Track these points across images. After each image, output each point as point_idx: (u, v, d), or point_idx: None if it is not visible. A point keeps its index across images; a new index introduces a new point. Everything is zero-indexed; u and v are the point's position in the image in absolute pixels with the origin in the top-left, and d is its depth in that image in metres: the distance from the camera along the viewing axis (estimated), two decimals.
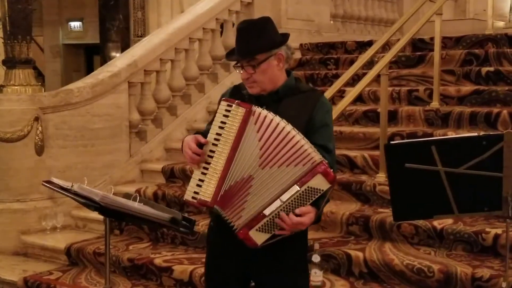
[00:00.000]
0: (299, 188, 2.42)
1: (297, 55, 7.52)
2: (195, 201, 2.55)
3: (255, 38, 2.59)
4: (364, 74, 5.18)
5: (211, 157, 2.53)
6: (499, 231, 3.96)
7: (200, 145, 2.56)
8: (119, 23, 11.29)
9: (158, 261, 4.60)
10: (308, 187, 2.41)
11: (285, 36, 2.68)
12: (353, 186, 4.83)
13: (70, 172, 5.57)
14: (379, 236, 4.38)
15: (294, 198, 2.42)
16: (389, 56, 5.05)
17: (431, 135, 5.09)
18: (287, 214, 2.42)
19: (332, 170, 2.45)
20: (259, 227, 2.45)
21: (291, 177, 2.43)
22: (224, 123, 2.53)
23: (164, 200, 5.41)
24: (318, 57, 7.23)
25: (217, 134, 2.53)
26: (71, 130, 5.69)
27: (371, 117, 5.72)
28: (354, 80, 5.46)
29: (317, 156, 2.43)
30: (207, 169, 2.53)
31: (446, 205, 2.71)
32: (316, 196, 2.43)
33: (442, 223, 4.16)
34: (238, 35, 2.64)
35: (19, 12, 5.86)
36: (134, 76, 6.09)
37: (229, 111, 2.52)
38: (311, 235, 4.49)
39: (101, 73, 6.00)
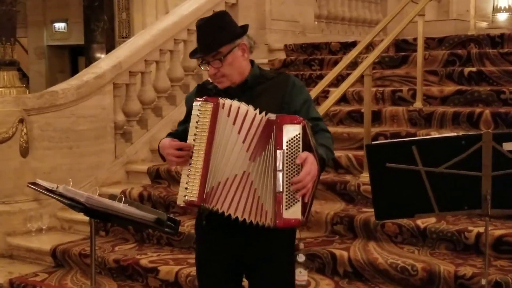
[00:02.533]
0: (282, 150, 2.43)
1: (282, 55, 7.55)
2: (184, 204, 2.57)
3: (216, 32, 2.62)
4: (348, 74, 5.23)
5: (192, 158, 2.55)
6: (481, 229, 4.00)
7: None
8: (104, 24, 11.25)
9: (144, 262, 4.61)
10: (286, 142, 2.43)
11: (245, 27, 2.72)
12: (338, 186, 4.87)
13: (55, 174, 5.56)
14: (364, 235, 4.42)
15: (287, 159, 2.43)
16: (372, 56, 5.10)
17: (415, 135, 5.14)
18: (292, 176, 2.43)
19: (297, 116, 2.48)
20: (286, 205, 2.43)
21: (270, 148, 2.46)
22: (198, 122, 2.55)
23: (150, 201, 5.42)
24: (303, 58, 7.27)
25: (194, 135, 2.56)
26: (56, 131, 5.68)
27: (355, 118, 5.76)
28: (338, 80, 5.50)
29: (272, 115, 2.47)
30: (190, 170, 2.55)
31: (427, 204, 2.75)
32: (300, 142, 2.44)
33: (425, 222, 4.21)
34: (199, 32, 2.66)
35: (3, 13, 5.87)
36: (119, 78, 6.09)
37: (200, 109, 2.55)
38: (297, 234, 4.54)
39: (86, 75, 5.99)
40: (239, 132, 2.50)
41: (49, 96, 5.65)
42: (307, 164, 2.43)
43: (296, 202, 2.44)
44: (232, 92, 2.65)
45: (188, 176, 2.55)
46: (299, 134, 2.44)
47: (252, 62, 2.75)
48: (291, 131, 2.44)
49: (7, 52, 5.91)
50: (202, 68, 2.72)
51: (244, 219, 2.49)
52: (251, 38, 2.72)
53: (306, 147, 2.46)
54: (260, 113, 2.50)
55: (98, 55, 10.91)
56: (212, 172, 2.53)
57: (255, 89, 2.67)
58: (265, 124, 2.48)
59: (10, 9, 5.96)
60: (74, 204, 2.71)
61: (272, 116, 2.47)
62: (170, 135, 2.84)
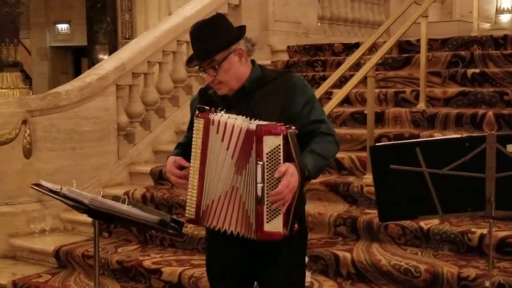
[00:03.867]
0: (262, 162, 2.38)
1: (285, 57, 7.55)
2: (187, 218, 2.60)
3: (210, 38, 2.52)
4: (351, 76, 5.22)
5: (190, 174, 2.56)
6: (484, 231, 4.00)
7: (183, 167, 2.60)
8: (107, 26, 11.28)
9: (147, 263, 4.61)
10: (266, 154, 2.37)
11: (242, 29, 2.61)
12: (341, 187, 4.87)
13: (58, 175, 5.56)
14: (367, 237, 4.41)
15: (267, 172, 2.38)
16: (375, 58, 5.09)
17: (418, 136, 5.13)
18: (274, 188, 2.38)
19: (279, 124, 2.40)
20: (267, 218, 2.40)
21: (252, 161, 2.41)
22: (194, 137, 2.54)
23: (153, 202, 5.42)
24: (306, 59, 7.26)
25: (194, 146, 2.55)
26: (59, 133, 5.68)
27: (358, 119, 5.76)
28: (341, 82, 5.50)
29: (252, 126, 2.39)
30: (190, 187, 2.56)
31: (431, 206, 2.75)
32: (281, 153, 2.37)
33: (428, 223, 4.20)
34: (193, 38, 2.57)
35: (6, 15, 5.88)
36: (122, 79, 6.09)
37: (195, 124, 2.53)
38: None
39: (89, 76, 6.00)
40: (227, 149, 2.46)
41: (52, 97, 5.66)
42: (287, 176, 2.36)
43: (277, 215, 2.41)
44: (230, 100, 2.58)
45: (189, 192, 2.57)
46: (279, 145, 2.37)
47: (253, 62, 2.66)
48: (272, 142, 2.38)
49: (10, 54, 5.93)
50: (200, 75, 2.66)
51: (238, 232, 2.47)
52: (249, 41, 2.61)
53: (288, 157, 2.39)
54: (261, 119, 2.44)
55: (100, 56, 10.94)
56: (206, 191, 2.52)
57: (255, 94, 2.57)
58: (246, 135, 2.41)
59: (13, 11, 5.98)
60: (78, 205, 2.72)
61: (253, 125, 2.39)
62: (179, 146, 2.80)
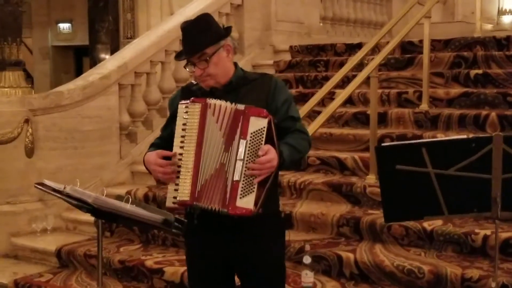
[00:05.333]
0: (245, 140, 2.53)
1: (287, 57, 7.54)
2: (175, 205, 2.63)
3: (201, 34, 2.68)
4: (354, 76, 5.21)
5: (181, 160, 2.61)
6: (488, 232, 4.00)
7: (167, 157, 2.64)
8: (109, 25, 11.27)
9: (149, 263, 4.60)
10: (251, 133, 2.54)
11: (228, 29, 2.80)
12: (344, 188, 4.86)
13: (60, 174, 5.55)
14: (370, 237, 4.40)
15: (249, 150, 2.53)
16: (378, 58, 5.09)
17: (421, 137, 5.13)
18: None
19: (264, 110, 2.56)
20: (241, 194, 2.53)
21: (237, 138, 2.56)
22: (185, 124, 2.61)
23: (155, 201, 5.40)
24: (308, 59, 7.26)
25: (181, 136, 2.62)
26: (62, 132, 5.67)
27: (361, 119, 5.75)
28: (344, 82, 5.48)
29: (241, 106, 2.56)
30: (179, 172, 2.61)
31: (436, 206, 2.74)
32: (264, 135, 2.54)
33: (432, 224, 4.19)
34: (184, 34, 2.72)
35: (9, 14, 5.87)
36: (124, 78, 6.08)
37: (187, 111, 2.61)
38: (301, 236, 4.54)
39: (92, 75, 5.99)
40: (220, 129, 2.59)
41: (55, 97, 5.65)
42: (268, 155, 2.53)
43: (251, 192, 2.53)
44: (217, 93, 2.71)
45: (178, 178, 2.61)
46: (264, 127, 2.54)
47: (235, 64, 2.81)
48: (257, 124, 2.54)
49: (12, 52, 5.91)
50: (187, 70, 2.80)
51: (215, 208, 2.57)
52: (234, 40, 2.81)
53: (270, 141, 2.55)
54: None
55: (102, 55, 10.93)
56: (202, 171, 2.60)
57: (240, 90, 2.73)
58: (234, 113, 2.57)
59: (16, 9, 5.96)
60: (82, 204, 2.71)
61: (241, 106, 2.56)
62: (153, 145, 2.89)
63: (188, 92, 2.79)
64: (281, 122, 2.67)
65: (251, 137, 2.53)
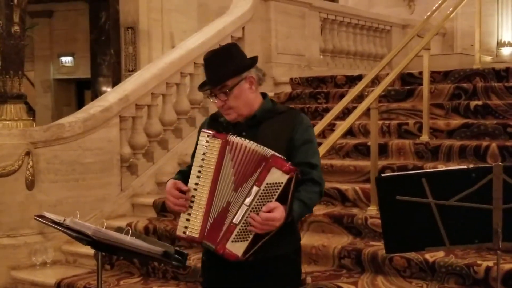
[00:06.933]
0: (258, 188, 2.45)
1: (287, 89, 7.59)
2: (185, 235, 2.60)
3: (223, 65, 2.63)
4: (354, 108, 5.23)
5: (196, 191, 2.58)
6: (490, 263, 3.96)
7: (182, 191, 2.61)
8: (110, 58, 11.35)
9: None
10: (267, 184, 2.45)
11: (254, 59, 2.72)
12: (345, 219, 4.84)
13: (61, 207, 5.54)
14: (372, 269, 4.37)
15: (258, 199, 2.46)
16: (378, 90, 5.11)
17: (421, 168, 5.12)
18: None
19: (289, 163, 2.48)
20: (234, 238, 2.48)
21: (250, 182, 2.49)
22: (204, 154, 2.57)
23: (155, 234, 5.39)
24: (308, 91, 7.29)
25: (199, 166, 2.58)
26: (63, 164, 5.67)
27: (362, 151, 5.75)
28: (344, 113, 5.51)
29: (268, 152, 2.47)
30: (193, 202, 2.58)
31: (438, 237, 2.72)
32: (279, 190, 2.45)
33: (434, 256, 4.16)
34: (206, 65, 2.68)
35: (11, 47, 5.92)
36: (125, 111, 6.11)
37: (207, 145, 2.57)
38: (303, 268, 4.50)
39: (93, 108, 6.01)
40: (233, 167, 2.53)
41: (56, 129, 5.67)
42: (274, 211, 2.45)
43: (244, 240, 2.47)
44: (240, 127, 2.66)
45: (190, 207, 2.58)
46: (281, 183, 2.45)
47: (264, 94, 2.75)
48: (276, 177, 2.45)
49: (14, 86, 5.94)
50: (211, 100, 2.74)
51: (212, 244, 2.53)
52: (260, 70, 2.71)
53: (283, 196, 2.46)
54: (267, 146, 2.51)
55: (104, 88, 10.99)
56: (213, 210, 2.55)
57: (264, 122, 2.66)
58: (257, 157, 2.49)
59: (18, 43, 6.01)
60: (81, 236, 2.70)
61: (268, 152, 2.47)
62: (179, 173, 2.84)
63: (215, 122, 2.76)
64: (298, 165, 2.56)
65: (265, 187, 2.45)
